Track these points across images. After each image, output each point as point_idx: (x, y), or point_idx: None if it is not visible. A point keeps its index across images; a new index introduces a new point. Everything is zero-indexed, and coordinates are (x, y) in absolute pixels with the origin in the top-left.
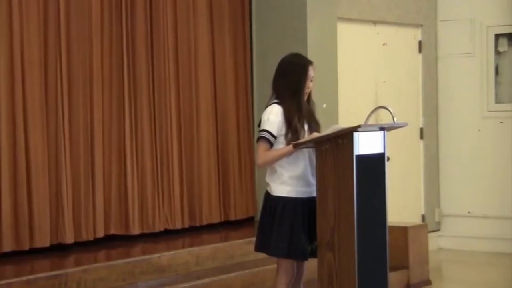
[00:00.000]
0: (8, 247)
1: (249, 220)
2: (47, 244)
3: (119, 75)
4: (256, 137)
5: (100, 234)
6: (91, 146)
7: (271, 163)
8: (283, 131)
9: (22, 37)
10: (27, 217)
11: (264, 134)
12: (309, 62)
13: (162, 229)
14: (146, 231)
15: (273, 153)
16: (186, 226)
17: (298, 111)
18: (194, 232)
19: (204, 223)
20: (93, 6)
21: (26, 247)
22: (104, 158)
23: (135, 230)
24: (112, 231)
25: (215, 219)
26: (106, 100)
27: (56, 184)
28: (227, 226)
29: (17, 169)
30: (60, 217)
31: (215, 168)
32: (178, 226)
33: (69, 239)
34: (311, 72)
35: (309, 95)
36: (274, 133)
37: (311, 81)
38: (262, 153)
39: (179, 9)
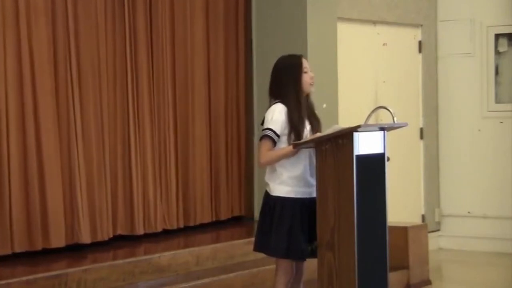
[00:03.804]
0: (20, 247)
1: (240, 219)
2: (63, 245)
3: (123, 77)
4: (259, 136)
5: (109, 234)
6: (103, 146)
7: (274, 162)
8: (286, 131)
9: (31, 37)
10: (39, 217)
11: (268, 132)
12: (300, 57)
13: (161, 229)
14: (148, 231)
15: (276, 152)
16: (181, 226)
17: (298, 105)
18: (193, 232)
19: (198, 222)
20: (98, 7)
21: (39, 247)
22: (110, 159)
23: (140, 230)
24: (119, 231)
25: (207, 219)
26: (111, 102)
27: (70, 185)
28: (220, 226)
29: (28, 170)
30: (76, 218)
31: (207, 168)
32: (175, 226)
33: (85, 239)
34: (305, 64)
35: (308, 95)
36: (278, 132)
37: (310, 71)
38: (265, 152)
39: (177, 9)
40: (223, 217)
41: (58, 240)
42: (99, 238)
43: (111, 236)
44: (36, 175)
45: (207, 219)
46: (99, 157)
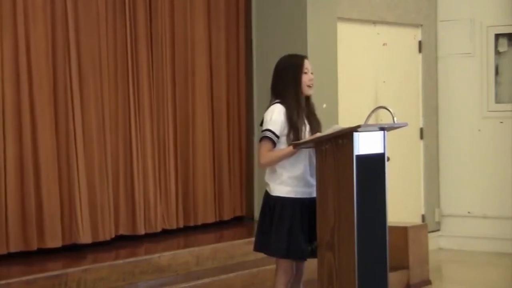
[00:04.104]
0: (16, 247)
1: (241, 220)
2: (59, 245)
3: (124, 75)
4: (259, 137)
5: (111, 235)
6: (104, 145)
7: (274, 163)
8: (285, 131)
9: (28, 36)
10: (34, 217)
11: (268, 133)
12: (303, 57)
13: (161, 229)
14: (149, 231)
15: (276, 153)
16: (181, 226)
17: (297, 105)
18: (192, 232)
19: (199, 223)
20: (99, 3)
21: (34, 247)
22: (112, 158)
23: (141, 230)
24: (121, 231)
25: (210, 219)
26: (113, 100)
27: (68, 184)
28: (221, 226)
29: (24, 168)
30: (74, 218)
31: (210, 168)
32: (174, 226)
33: (84, 240)
34: (306, 65)
35: (309, 96)
36: (277, 132)
37: (311, 73)
38: (265, 153)
39: (177, 7)
40: (226, 217)
41: (54, 241)
42: (101, 238)
43: (113, 236)
44: (32, 175)
45: (210, 219)
46: (100, 156)
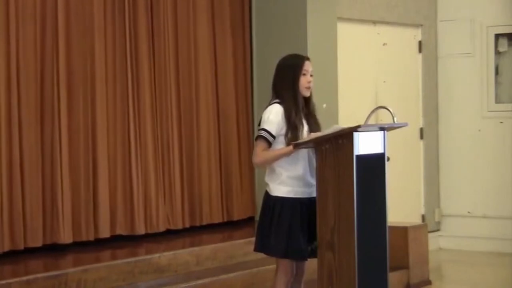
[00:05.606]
0: (5, 246)
1: (249, 220)
2: (40, 244)
3: (123, 74)
4: (255, 136)
5: (106, 234)
6: (93, 145)
7: (268, 163)
8: (283, 131)
9: (18, 36)
10: (21, 216)
11: (263, 133)
12: (304, 58)
13: (164, 229)
14: (150, 231)
15: (272, 152)
16: (187, 226)
17: (295, 105)
18: (194, 232)
19: (205, 223)
20: (95, 5)
21: (21, 246)
22: (109, 158)
23: (141, 230)
24: (118, 231)
25: (216, 219)
26: (110, 100)
27: (51, 184)
28: (227, 226)
29: (12, 169)
30: (55, 216)
31: (216, 168)
32: (180, 226)
33: (66, 239)
34: (306, 66)
35: (310, 97)
36: (273, 132)
37: (311, 75)
38: (259, 152)
39: (179, 8)
40: (236, 217)
41: (34, 240)
42: (83, 238)
43: (105, 236)
44: (19, 175)
45: (216, 220)
46: (85, 157)
